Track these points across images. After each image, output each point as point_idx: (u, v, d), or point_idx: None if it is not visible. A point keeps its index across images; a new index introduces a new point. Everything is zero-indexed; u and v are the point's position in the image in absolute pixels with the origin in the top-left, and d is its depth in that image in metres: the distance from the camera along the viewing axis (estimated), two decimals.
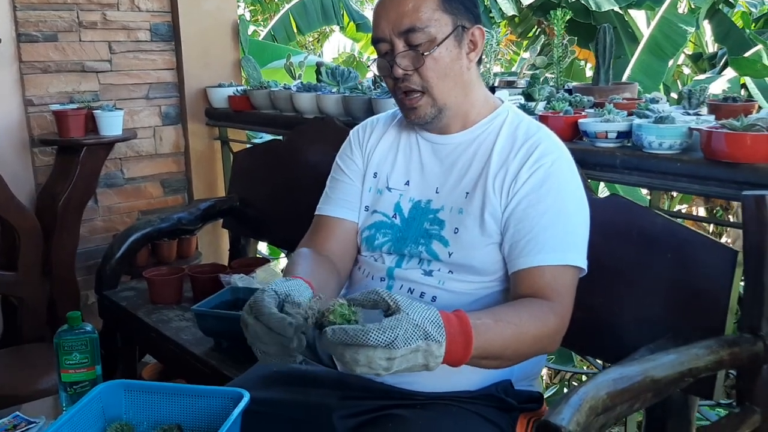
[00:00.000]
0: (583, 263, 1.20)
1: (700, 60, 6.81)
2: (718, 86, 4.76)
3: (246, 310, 1.01)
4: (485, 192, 1.23)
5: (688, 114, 1.61)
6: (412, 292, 1.27)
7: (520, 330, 1.07)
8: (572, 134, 1.64)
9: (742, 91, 4.97)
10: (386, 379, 1.20)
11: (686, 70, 7.18)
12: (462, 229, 1.25)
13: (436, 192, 1.30)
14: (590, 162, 1.55)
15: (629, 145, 1.57)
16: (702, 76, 5.80)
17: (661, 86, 5.39)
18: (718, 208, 4.77)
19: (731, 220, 4.39)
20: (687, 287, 1.34)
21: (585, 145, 1.61)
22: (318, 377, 1.32)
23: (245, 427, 1.27)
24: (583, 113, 1.69)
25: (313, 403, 1.30)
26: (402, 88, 1.24)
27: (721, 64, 5.94)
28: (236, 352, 1.84)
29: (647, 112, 1.56)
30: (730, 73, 5.08)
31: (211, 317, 1.85)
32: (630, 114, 1.63)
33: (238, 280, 2.10)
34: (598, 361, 2.13)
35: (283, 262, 3.35)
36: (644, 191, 3.12)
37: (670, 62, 5.48)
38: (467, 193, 1.26)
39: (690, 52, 6.85)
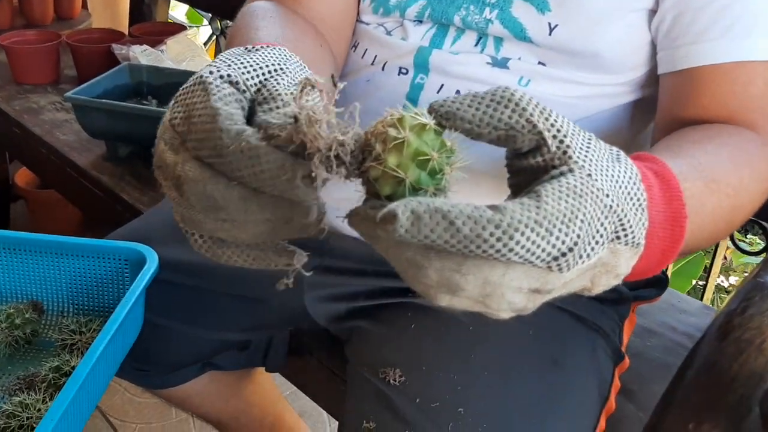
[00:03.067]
0: None
1: None
2: None
3: (167, 138, 0.39)
4: None
5: None
6: None
7: (737, 201, 0.51)
8: None
9: None
10: None
11: None
12: None
13: None
14: None
15: None
16: None
17: None
18: None
19: None
20: None
21: None
22: None
23: (151, 306, 0.74)
24: None
25: (270, 274, 0.75)
26: None
27: None
28: (139, 164, 1.24)
29: None
30: None
31: (98, 111, 1.21)
32: None
33: (141, 54, 1.43)
34: None
35: (205, 32, 2.57)
36: None
37: None
38: None
39: None
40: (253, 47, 0.43)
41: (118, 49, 1.48)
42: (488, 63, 0.68)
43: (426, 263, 0.33)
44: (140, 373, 0.86)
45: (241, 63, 0.40)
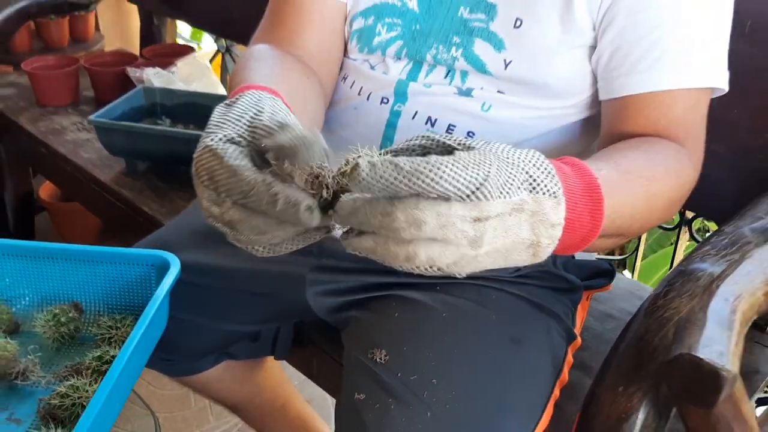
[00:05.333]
0: (726, 81, 0.75)
1: None
2: None
3: (208, 197, 0.54)
4: None
5: None
6: (433, 124, 0.80)
7: (652, 190, 0.64)
8: None
9: None
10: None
11: None
12: (529, 21, 0.75)
13: None
14: None
15: None
16: None
17: None
18: None
19: None
20: None
21: None
22: None
23: (174, 305, 0.87)
24: None
25: (277, 273, 0.88)
26: None
27: None
28: (155, 179, 1.37)
29: None
30: None
31: (118, 132, 1.35)
32: None
33: (153, 76, 1.57)
34: None
35: (208, 45, 2.71)
36: None
37: None
38: None
39: None
40: (233, 99, 0.57)
41: (133, 72, 1.62)
42: (455, 93, 0.81)
43: (392, 208, 0.47)
44: (167, 363, 0.99)
45: (228, 120, 0.54)
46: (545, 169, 0.51)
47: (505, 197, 0.48)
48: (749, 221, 0.80)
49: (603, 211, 0.55)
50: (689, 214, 1.31)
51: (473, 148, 0.50)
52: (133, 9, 2.16)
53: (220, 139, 0.53)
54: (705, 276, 0.68)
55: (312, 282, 0.88)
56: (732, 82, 0.93)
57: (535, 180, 0.50)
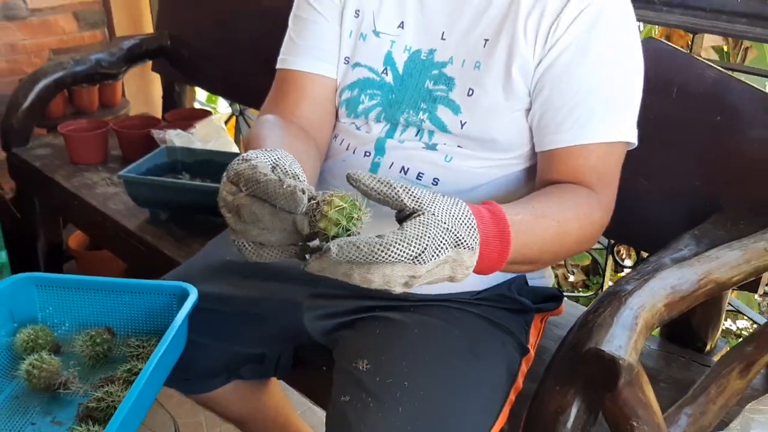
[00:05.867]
0: (636, 137, 0.93)
1: None
2: None
3: (228, 189, 0.70)
4: (513, 38, 0.91)
5: None
6: (406, 172, 0.98)
7: (562, 229, 0.81)
8: None
9: None
10: None
11: None
12: (479, 91, 0.94)
13: (442, 38, 0.97)
14: None
15: None
16: None
17: None
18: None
19: None
20: (737, 158, 1.09)
21: None
22: (282, 268, 1.04)
23: (192, 329, 1.02)
24: None
25: (278, 301, 1.05)
26: None
27: None
28: (176, 226, 1.55)
29: None
30: None
31: (144, 185, 1.53)
32: None
33: (175, 137, 1.76)
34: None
35: (224, 108, 2.95)
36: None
37: None
38: (486, 40, 0.94)
39: None
40: (266, 151, 0.74)
41: (157, 134, 1.81)
42: (424, 147, 0.98)
43: (351, 272, 0.63)
44: (185, 382, 1.14)
45: (262, 153, 0.72)
46: (469, 226, 0.67)
47: (436, 258, 0.65)
48: (671, 252, 0.96)
49: (510, 250, 0.72)
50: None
51: (422, 210, 0.66)
52: (156, 77, 2.39)
53: (255, 160, 0.70)
54: (624, 294, 0.84)
55: (308, 308, 1.04)
56: (663, 135, 1.12)
57: (460, 238, 0.66)
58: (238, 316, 1.08)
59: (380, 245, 0.62)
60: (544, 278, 1.10)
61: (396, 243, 0.62)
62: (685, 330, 1.16)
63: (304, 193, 0.66)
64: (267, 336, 1.10)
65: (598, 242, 1.78)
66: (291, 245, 0.69)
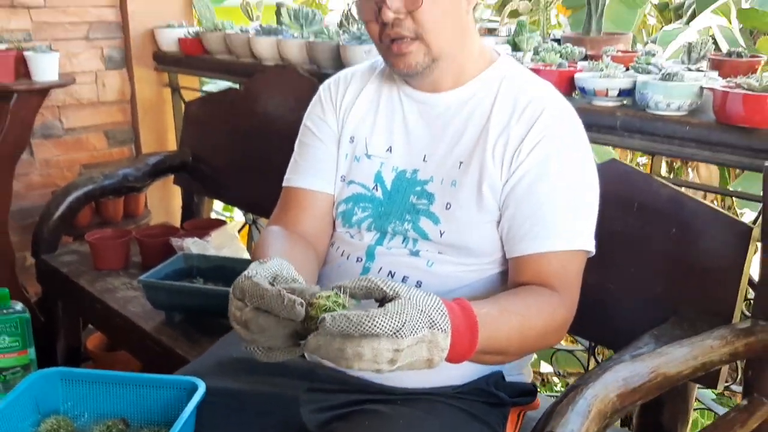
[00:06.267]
0: (593, 246, 1.06)
1: (666, 10, 6.67)
2: (687, 37, 4.64)
3: (236, 305, 0.84)
4: (483, 162, 1.07)
5: (690, 70, 1.47)
6: (393, 276, 1.11)
7: (526, 323, 0.93)
8: (566, 90, 1.47)
9: (710, 43, 4.87)
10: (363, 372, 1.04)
11: (651, 20, 7.05)
12: (455, 205, 1.08)
13: (424, 160, 1.13)
14: (586, 122, 1.38)
15: (628, 104, 1.42)
16: (670, 27, 5.68)
17: (631, 36, 5.25)
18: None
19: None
20: (692, 266, 1.21)
21: (579, 103, 1.45)
22: (283, 364, 1.15)
23: (201, 420, 1.12)
24: (578, 67, 1.53)
25: (279, 395, 1.15)
26: (390, 35, 1.05)
27: (689, 14, 5.81)
28: (190, 328, 1.67)
29: (649, 67, 1.41)
30: (698, 23, 4.96)
31: (161, 289, 1.67)
32: (627, 68, 1.48)
33: (192, 244, 1.92)
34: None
35: (238, 216, 3.14)
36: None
37: (638, 11, 5.33)
38: (461, 162, 1.09)
39: (656, 1, 6.70)
40: (264, 260, 0.88)
41: (175, 241, 1.97)
42: (408, 254, 1.12)
43: (344, 346, 0.75)
44: None
45: (263, 266, 0.85)
46: (441, 311, 0.80)
47: (414, 335, 0.77)
48: (632, 350, 1.07)
49: (478, 339, 0.84)
50: None
51: (399, 295, 0.79)
52: (177, 189, 2.58)
53: (256, 275, 0.84)
54: (582, 386, 0.94)
55: (305, 402, 1.14)
56: (627, 246, 1.25)
57: (434, 320, 0.79)
58: (243, 409, 1.17)
59: (367, 317, 0.75)
60: (522, 375, 1.20)
61: (379, 316, 0.75)
62: (656, 426, 1.24)
63: (302, 305, 0.79)
64: (269, 428, 1.19)
65: (581, 344, 1.88)
66: (294, 346, 0.81)
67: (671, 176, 4.56)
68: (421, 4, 1.01)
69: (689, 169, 3.30)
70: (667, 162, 3.35)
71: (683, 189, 1.28)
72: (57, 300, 2.12)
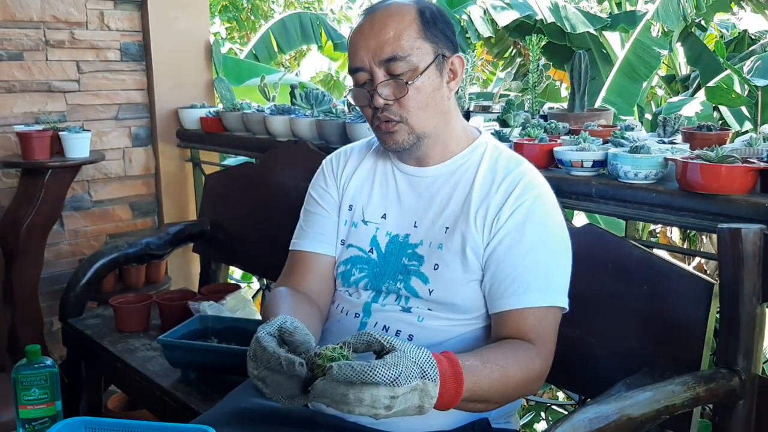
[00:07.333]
0: (566, 303, 1.18)
1: (673, 82, 6.90)
2: (692, 108, 4.81)
3: (252, 366, 0.97)
4: (467, 227, 1.20)
5: (663, 142, 1.61)
6: (387, 330, 1.23)
7: (506, 373, 1.04)
8: (548, 162, 1.62)
9: (715, 113, 5.04)
10: (360, 418, 1.15)
11: (659, 92, 7.27)
12: (442, 266, 1.21)
13: (414, 226, 1.27)
14: (566, 190, 1.54)
15: (605, 173, 1.56)
16: (675, 99, 5.88)
17: (635, 108, 5.44)
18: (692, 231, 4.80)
19: (704, 241, 4.43)
20: (663, 319, 1.32)
21: (560, 173, 1.59)
22: (288, 414, 1.27)
23: None
24: (559, 141, 1.68)
25: None
26: (381, 118, 1.21)
27: (695, 86, 6.02)
28: (204, 384, 1.78)
29: (623, 140, 1.55)
30: (703, 95, 5.15)
31: (178, 348, 1.79)
32: (605, 142, 1.62)
33: (208, 307, 2.04)
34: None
35: (257, 284, 3.28)
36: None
37: (644, 84, 5.54)
38: (447, 228, 1.23)
39: (663, 74, 6.94)
40: (275, 318, 1.00)
41: (192, 305, 2.10)
42: (401, 310, 1.24)
43: (347, 392, 0.87)
44: None
45: (270, 325, 0.98)
46: (431, 363, 0.92)
47: (408, 384, 0.89)
48: (605, 397, 1.17)
49: (463, 388, 0.95)
50: None
51: (395, 348, 0.91)
52: (196, 257, 2.74)
53: (265, 334, 0.97)
54: (553, 428, 1.04)
55: None
56: (604, 303, 1.37)
57: (425, 371, 0.91)
58: None
59: (369, 367, 0.87)
60: (509, 423, 1.30)
61: (379, 366, 0.88)
62: None
63: (302, 365, 0.92)
64: None
65: (570, 397, 1.96)
66: (307, 393, 0.93)
67: (685, 245, 4.68)
68: (407, 92, 1.17)
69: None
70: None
71: (653, 250, 1.40)
72: (80, 361, 2.24)
